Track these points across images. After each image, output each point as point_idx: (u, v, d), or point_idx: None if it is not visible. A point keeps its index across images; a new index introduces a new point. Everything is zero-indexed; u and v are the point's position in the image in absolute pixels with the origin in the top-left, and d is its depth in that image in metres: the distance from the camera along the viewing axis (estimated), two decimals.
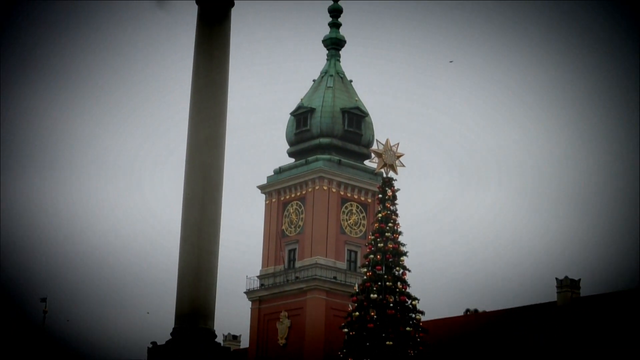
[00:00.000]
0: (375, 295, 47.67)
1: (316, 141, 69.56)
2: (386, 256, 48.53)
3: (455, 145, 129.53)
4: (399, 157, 50.95)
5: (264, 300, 67.33)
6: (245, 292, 68.41)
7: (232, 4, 24.68)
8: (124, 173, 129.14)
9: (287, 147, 71.69)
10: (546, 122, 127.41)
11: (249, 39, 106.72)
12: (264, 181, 70.67)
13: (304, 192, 67.84)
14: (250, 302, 68.25)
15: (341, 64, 72.57)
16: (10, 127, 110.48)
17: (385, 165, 50.64)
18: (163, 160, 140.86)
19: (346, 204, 67.70)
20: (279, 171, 70.64)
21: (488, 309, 60.90)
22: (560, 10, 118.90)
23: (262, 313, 67.16)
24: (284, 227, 68.54)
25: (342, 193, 67.65)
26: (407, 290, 48.48)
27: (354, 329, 47.78)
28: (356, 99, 70.95)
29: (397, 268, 48.65)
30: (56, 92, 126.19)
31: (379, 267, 48.46)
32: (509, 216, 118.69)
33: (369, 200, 67.91)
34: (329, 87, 70.58)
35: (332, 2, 72.76)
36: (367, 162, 68.39)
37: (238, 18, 25.28)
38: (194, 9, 24.64)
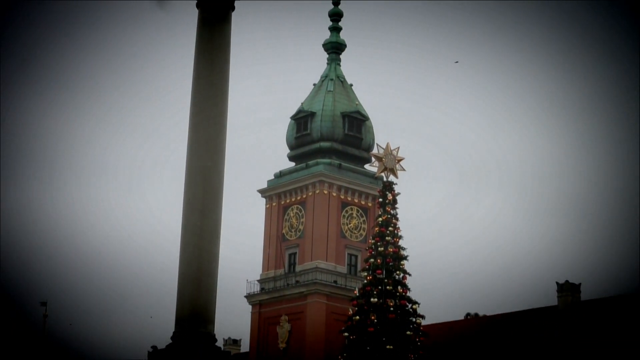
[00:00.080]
0: (376, 299, 47.66)
1: (316, 145, 69.58)
2: (386, 260, 48.53)
3: (455, 149, 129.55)
4: (399, 161, 50.98)
5: (265, 304, 67.31)
6: (245, 296, 68.41)
7: (233, 8, 24.68)
8: (124, 175, 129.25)
9: (288, 151, 71.73)
10: (546, 125, 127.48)
11: (250, 42, 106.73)
12: (265, 185, 70.68)
13: (304, 196, 67.84)
14: (250, 306, 68.24)
15: (341, 68, 72.62)
16: (9, 128, 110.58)
17: (385, 169, 50.67)
18: (163, 162, 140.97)
19: (346, 208, 67.70)
20: (280, 175, 70.66)
21: (489, 313, 60.93)
22: (561, 13, 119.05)
23: (262, 317, 67.15)
24: (284, 231, 68.54)
25: (342, 197, 67.65)
26: (408, 294, 48.49)
27: (354, 333, 47.77)
28: (356, 103, 70.98)
29: (398, 272, 48.66)
30: (56, 93, 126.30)
31: (379, 271, 48.45)
32: (509, 220, 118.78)
33: (370, 204, 67.91)
34: (330, 91, 70.62)
35: (332, 6, 72.82)
36: (367, 166, 68.41)
37: (238, 22, 25.28)
38: (194, 9, 24.63)
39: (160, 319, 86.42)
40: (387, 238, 48.97)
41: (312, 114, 69.91)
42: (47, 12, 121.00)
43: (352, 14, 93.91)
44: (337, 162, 68.63)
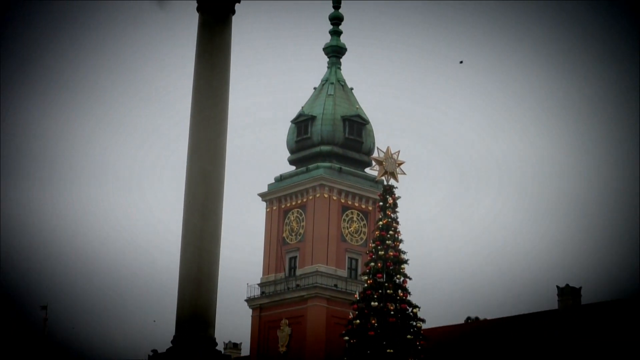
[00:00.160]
0: (376, 303, 47.63)
1: (317, 149, 69.59)
2: (387, 264, 48.50)
3: (456, 153, 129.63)
4: (399, 164, 50.96)
5: (265, 308, 67.28)
6: (246, 300, 68.38)
7: (233, 12, 24.70)
8: (124, 175, 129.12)
9: (288, 154, 71.73)
10: (546, 125, 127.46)
11: (250, 46, 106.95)
12: (265, 189, 70.67)
13: (304, 200, 67.83)
14: (251, 310, 68.21)
15: (342, 71, 72.63)
16: (9, 128, 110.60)
17: (386, 172, 50.66)
18: (163, 162, 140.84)
19: (347, 212, 67.70)
20: (280, 179, 70.65)
21: (489, 317, 60.91)
22: (561, 13, 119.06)
23: (262, 321, 67.11)
24: (284, 235, 68.52)
25: (342, 201, 67.64)
26: (408, 298, 48.46)
27: (354, 337, 47.73)
28: (357, 106, 70.99)
29: (398, 276, 48.63)
30: (56, 93, 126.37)
31: (379, 275, 48.42)
32: (510, 224, 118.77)
33: (370, 208, 67.90)
34: (330, 94, 70.63)
35: (333, 10, 72.84)
36: (367, 170, 68.41)
37: (239, 26, 25.31)
38: (194, 10, 24.64)
39: (161, 322, 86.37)
40: (387, 242, 48.95)
41: (313, 118, 69.92)
42: (47, 12, 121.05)
43: (352, 18, 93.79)
44: (337, 165, 68.62)
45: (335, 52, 72.56)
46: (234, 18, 24.74)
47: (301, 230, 67.49)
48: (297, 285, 65.66)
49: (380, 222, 49.80)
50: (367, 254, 51.81)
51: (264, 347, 66.42)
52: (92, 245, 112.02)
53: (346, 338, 48.24)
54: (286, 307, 65.82)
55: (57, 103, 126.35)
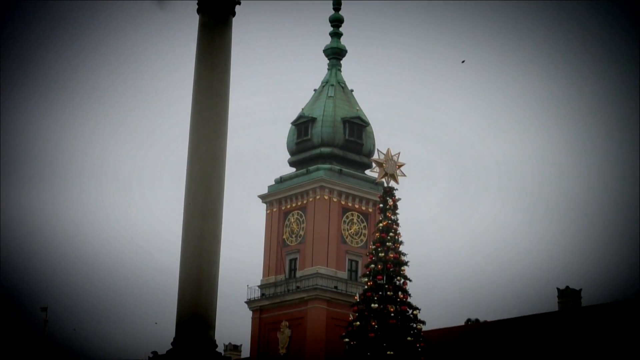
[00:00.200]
0: (376, 305, 47.61)
1: (317, 151, 69.59)
2: (387, 266, 48.49)
3: (456, 155, 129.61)
4: (399, 166, 50.95)
5: (265, 309, 67.27)
6: (246, 302, 68.37)
7: (234, 13, 24.71)
8: (123, 175, 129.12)
9: (288, 156, 71.73)
10: (547, 126, 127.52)
11: (250, 48, 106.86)
12: (265, 190, 70.67)
13: (304, 202, 67.83)
14: (251, 312, 68.20)
15: (342, 73, 72.65)
16: (9, 129, 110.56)
17: (386, 174, 50.64)
18: (163, 162, 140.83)
19: (347, 214, 67.69)
20: (280, 181, 70.65)
21: (489, 319, 60.84)
22: (561, 13, 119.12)
23: (262, 323, 67.10)
24: (284, 237, 68.51)
25: (343, 202, 67.64)
26: (408, 300, 48.44)
27: (355, 339, 47.71)
28: (357, 108, 70.99)
29: (398, 278, 48.61)
30: (55, 94, 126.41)
31: (379, 277, 48.41)
32: (510, 226, 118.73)
33: (370, 210, 67.90)
34: (330, 96, 70.65)
35: (333, 12, 72.87)
36: (368, 172, 68.34)
37: (239, 27, 25.31)
38: (194, 10, 24.66)
39: (161, 323, 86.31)
40: (387, 244, 48.93)
41: (313, 120, 69.93)
42: (47, 12, 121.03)
43: (352, 20, 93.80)
44: (337, 167, 68.62)
45: (335, 54, 72.58)
46: (234, 19, 24.76)
47: (301, 232, 67.48)
48: (297, 287, 65.65)
49: (381, 224, 49.78)
50: (367, 255, 51.78)
51: (264, 349, 66.40)
52: (92, 246, 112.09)
53: (346, 340, 48.21)
54: (286, 309, 65.81)
55: (57, 103, 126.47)
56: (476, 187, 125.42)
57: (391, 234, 49.25)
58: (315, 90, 72.27)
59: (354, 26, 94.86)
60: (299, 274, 66.47)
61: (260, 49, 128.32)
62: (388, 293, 47.96)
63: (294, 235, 67.96)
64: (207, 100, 23.93)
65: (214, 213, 23.35)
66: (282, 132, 75.62)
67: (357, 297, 49.62)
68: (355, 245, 67.30)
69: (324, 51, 72.88)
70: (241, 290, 68.68)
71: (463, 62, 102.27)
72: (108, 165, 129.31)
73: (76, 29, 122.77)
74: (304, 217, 67.56)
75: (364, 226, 67.89)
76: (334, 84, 71.35)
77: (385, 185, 51.17)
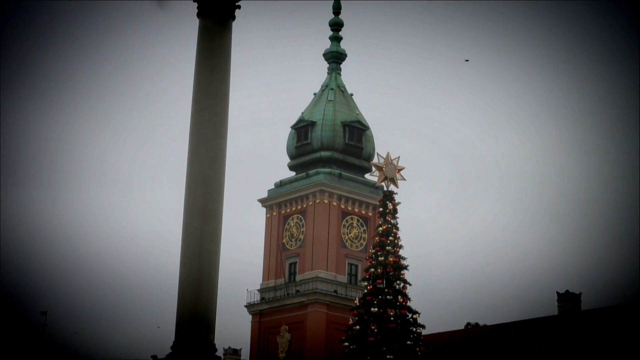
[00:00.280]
0: (376, 309, 47.58)
1: (317, 154, 69.61)
2: (387, 270, 48.46)
3: (456, 155, 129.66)
4: (399, 170, 50.93)
5: (265, 313, 67.26)
6: (245, 306, 68.36)
7: (234, 17, 24.70)
8: (123, 176, 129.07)
9: (288, 160, 71.76)
10: (547, 126, 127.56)
11: (250, 52, 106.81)
12: (265, 194, 70.68)
13: (304, 206, 67.83)
14: (250, 316, 68.19)
15: (342, 77, 72.70)
16: (9, 130, 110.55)
17: (385, 178, 50.62)
18: (163, 163, 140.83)
19: (347, 218, 67.69)
20: (280, 184, 70.66)
21: (489, 323, 60.79)
22: (561, 13, 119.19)
23: (262, 326, 67.09)
24: (284, 241, 68.51)
25: (342, 206, 67.65)
26: (408, 303, 48.41)
27: (354, 343, 47.68)
28: (357, 112, 71.02)
29: (398, 282, 48.58)
30: (55, 94, 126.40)
31: (379, 281, 48.37)
32: (510, 226, 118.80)
33: (370, 214, 67.89)
34: (330, 100, 70.68)
35: (333, 16, 72.91)
36: (367, 176, 68.40)
37: (239, 31, 25.31)
38: (194, 10, 24.65)
39: (161, 326, 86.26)
40: (387, 247, 48.90)
41: (313, 124, 69.96)
42: (47, 12, 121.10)
43: (352, 24, 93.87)
44: (337, 171, 68.64)
45: (335, 57, 72.62)
46: (234, 23, 24.75)
47: (301, 236, 67.48)
48: (297, 291, 65.64)
49: (380, 228, 49.75)
50: (367, 259, 51.75)
51: (264, 352, 66.38)
52: (92, 246, 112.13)
53: (346, 344, 48.18)
54: (286, 313, 65.80)
55: (57, 104, 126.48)
56: (476, 188, 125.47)
57: (391, 237, 49.22)
58: (315, 94, 72.31)
59: (354, 30, 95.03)
60: (298, 277, 66.47)
61: (261, 52, 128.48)
62: (388, 297, 47.93)
63: (293, 239, 67.96)
64: (207, 102, 23.92)
65: (214, 214, 23.32)
66: (281, 134, 75.75)
67: (356, 301, 49.59)
68: (355, 249, 67.30)
69: (324, 55, 72.93)
70: (241, 294, 68.73)
71: (467, 61, 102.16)
72: (108, 165, 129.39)
73: (76, 29, 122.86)
74: (303, 221, 67.56)
75: (364, 230, 67.89)
76: (333, 88, 71.40)
77: (385, 189, 51.14)
